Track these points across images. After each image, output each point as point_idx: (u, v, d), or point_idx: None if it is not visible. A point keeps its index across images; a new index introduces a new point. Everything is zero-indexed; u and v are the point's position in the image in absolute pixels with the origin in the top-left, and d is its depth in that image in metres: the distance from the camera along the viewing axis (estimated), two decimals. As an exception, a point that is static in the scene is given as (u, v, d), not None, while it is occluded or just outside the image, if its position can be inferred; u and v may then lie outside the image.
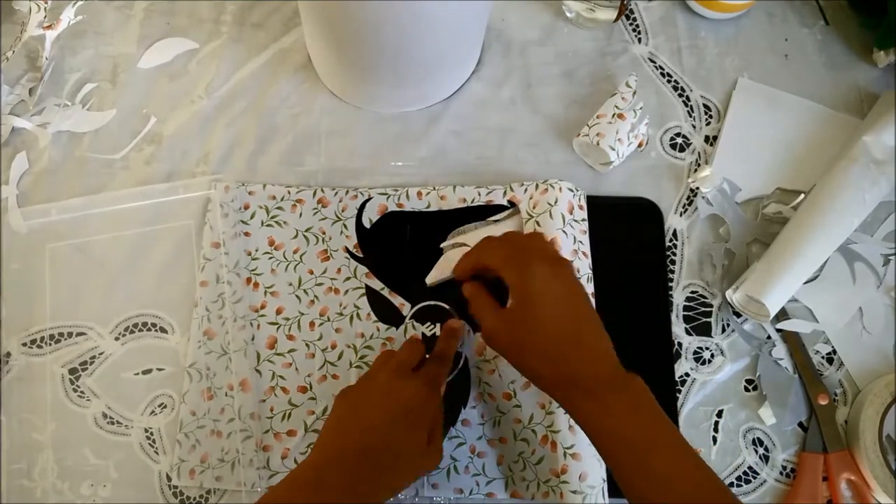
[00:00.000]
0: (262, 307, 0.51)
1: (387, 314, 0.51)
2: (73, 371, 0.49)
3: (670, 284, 0.52)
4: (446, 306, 0.51)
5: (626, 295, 0.51)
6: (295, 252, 0.52)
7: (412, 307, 0.51)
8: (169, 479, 0.47)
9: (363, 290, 0.51)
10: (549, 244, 0.47)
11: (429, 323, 0.50)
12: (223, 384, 0.48)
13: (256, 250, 0.52)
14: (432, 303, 0.51)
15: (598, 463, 0.45)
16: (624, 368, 0.38)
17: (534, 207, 0.50)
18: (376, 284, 0.51)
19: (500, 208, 0.52)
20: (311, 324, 0.50)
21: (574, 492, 0.44)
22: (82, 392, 0.49)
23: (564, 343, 0.38)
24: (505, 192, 0.52)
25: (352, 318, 0.51)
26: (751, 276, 0.50)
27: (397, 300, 0.51)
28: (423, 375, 0.43)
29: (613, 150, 0.52)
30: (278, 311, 0.50)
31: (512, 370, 0.47)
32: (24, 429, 0.48)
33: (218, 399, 0.48)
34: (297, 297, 0.51)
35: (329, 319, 0.50)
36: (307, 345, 0.50)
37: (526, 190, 0.51)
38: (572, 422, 0.44)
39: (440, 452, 0.43)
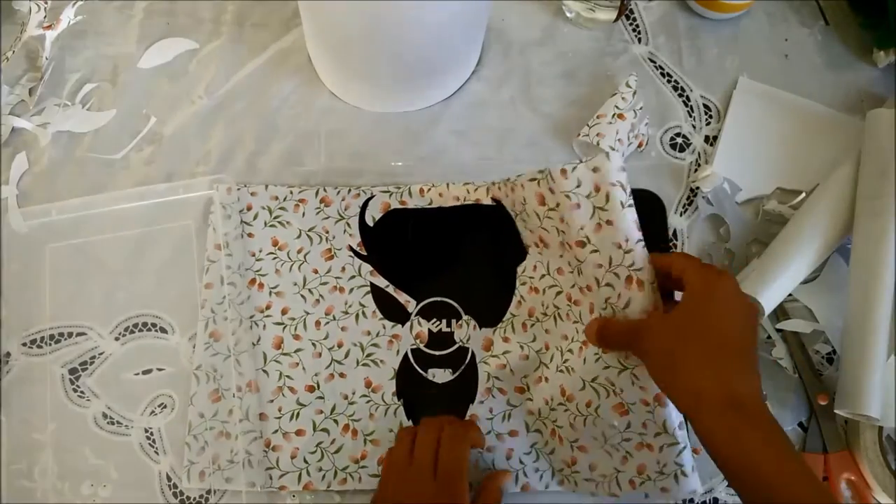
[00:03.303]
0: (268, 307, 0.50)
1: (392, 311, 0.51)
2: (73, 371, 0.49)
3: (671, 284, 0.52)
4: (452, 302, 0.51)
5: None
6: (299, 252, 0.52)
7: (417, 304, 0.51)
8: (169, 479, 0.47)
9: (368, 288, 0.51)
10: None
11: (434, 319, 0.50)
12: (231, 385, 0.48)
13: (260, 251, 0.52)
14: (438, 299, 0.51)
15: (607, 455, 0.44)
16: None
17: (513, 206, 0.49)
18: (381, 282, 0.51)
19: (489, 208, 0.51)
20: (317, 323, 0.50)
21: (587, 480, 0.45)
22: (82, 392, 0.49)
23: (734, 357, 0.36)
24: (488, 190, 0.52)
25: (357, 316, 0.51)
26: (749, 276, 0.50)
27: (402, 297, 0.51)
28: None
29: (613, 150, 0.52)
30: (283, 311, 0.50)
31: (525, 365, 0.48)
32: (24, 429, 0.48)
33: (226, 400, 0.48)
34: (302, 296, 0.51)
35: (335, 318, 0.50)
36: (313, 344, 0.50)
37: (500, 188, 0.50)
38: (573, 419, 0.44)
39: None
